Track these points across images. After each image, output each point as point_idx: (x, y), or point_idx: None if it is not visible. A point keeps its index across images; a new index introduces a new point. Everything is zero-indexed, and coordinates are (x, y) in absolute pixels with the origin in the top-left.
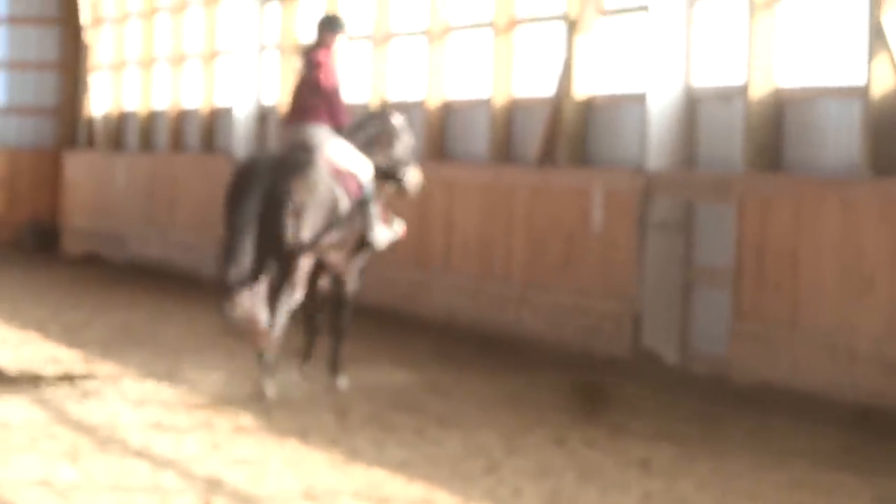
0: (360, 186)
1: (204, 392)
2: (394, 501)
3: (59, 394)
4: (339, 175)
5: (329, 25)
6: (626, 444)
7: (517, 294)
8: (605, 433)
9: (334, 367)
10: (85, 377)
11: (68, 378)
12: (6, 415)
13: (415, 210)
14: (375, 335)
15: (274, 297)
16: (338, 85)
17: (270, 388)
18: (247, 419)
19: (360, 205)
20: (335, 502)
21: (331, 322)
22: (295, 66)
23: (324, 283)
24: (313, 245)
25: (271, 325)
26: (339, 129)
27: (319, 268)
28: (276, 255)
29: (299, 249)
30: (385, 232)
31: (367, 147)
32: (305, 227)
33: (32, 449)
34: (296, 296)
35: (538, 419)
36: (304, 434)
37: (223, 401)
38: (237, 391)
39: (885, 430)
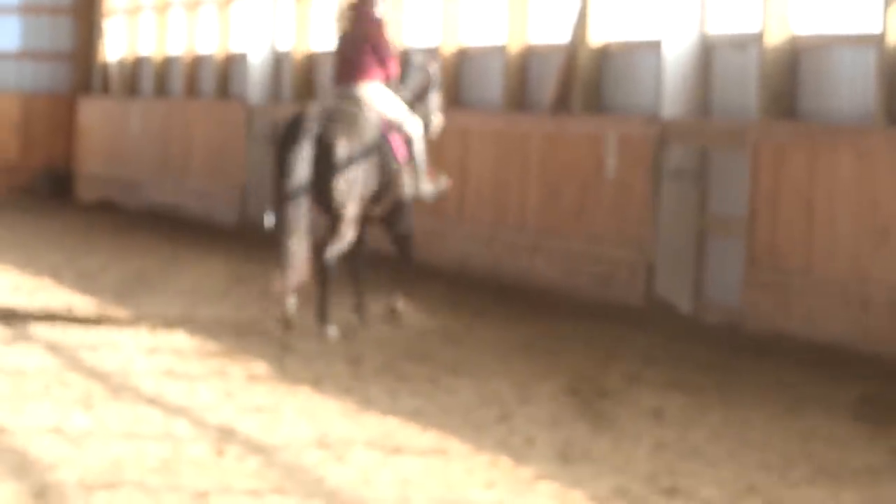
0: (409, 140)
1: (218, 340)
2: (406, 450)
3: (73, 341)
4: (389, 128)
5: None
6: (638, 393)
7: (531, 242)
8: (618, 383)
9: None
10: (99, 324)
11: (82, 325)
12: (20, 362)
13: (428, 158)
14: (389, 283)
15: (322, 246)
16: (388, 37)
17: (330, 330)
18: (260, 367)
19: (409, 159)
20: (348, 451)
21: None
22: (338, 19)
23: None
24: (361, 197)
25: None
26: (389, 82)
27: (366, 219)
28: (326, 206)
29: (348, 201)
30: (430, 185)
31: (413, 98)
32: (354, 178)
33: (45, 396)
34: (343, 244)
35: (551, 368)
36: (317, 383)
37: (237, 349)
38: (251, 339)
39: None
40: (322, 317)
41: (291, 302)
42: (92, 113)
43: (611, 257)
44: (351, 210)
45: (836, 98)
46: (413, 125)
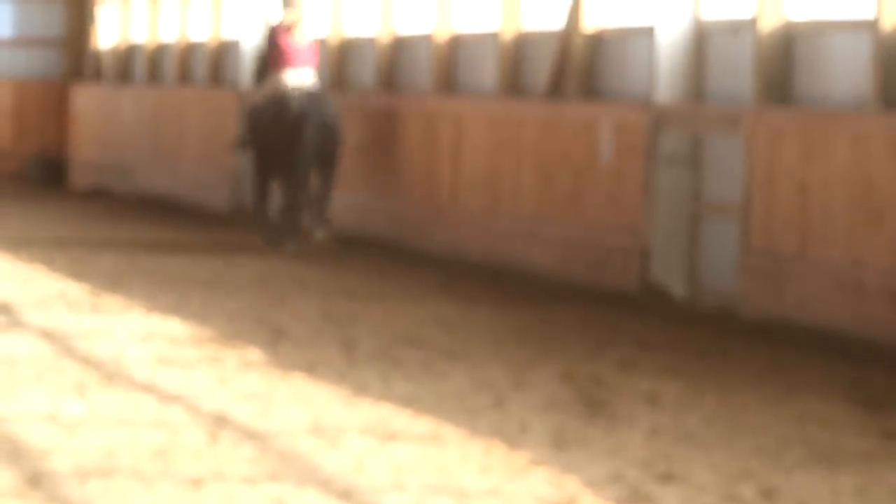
0: None
1: (211, 326)
2: (401, 436)
3: (66, 328)
4: None
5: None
6: (633, 379)
7: (525, 228)
8: (612, 368)
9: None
10: (92, 311)
11: (75, 312)
12: (13, 349)
13: (422, 143)
14: (383, 269)
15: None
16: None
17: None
18: (254, 354)
19: None
20: (342, 437)
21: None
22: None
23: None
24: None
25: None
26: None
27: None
28: (327, 169)
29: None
30: None
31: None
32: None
33: (39, 383)
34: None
35: (545, 354)
36: (310, 369)
37: (230, 335)
38: (244, 325)
39: (893, 365)
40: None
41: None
42: (85, 100)
43: (605, 243)
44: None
45: (830, 83)
46: None
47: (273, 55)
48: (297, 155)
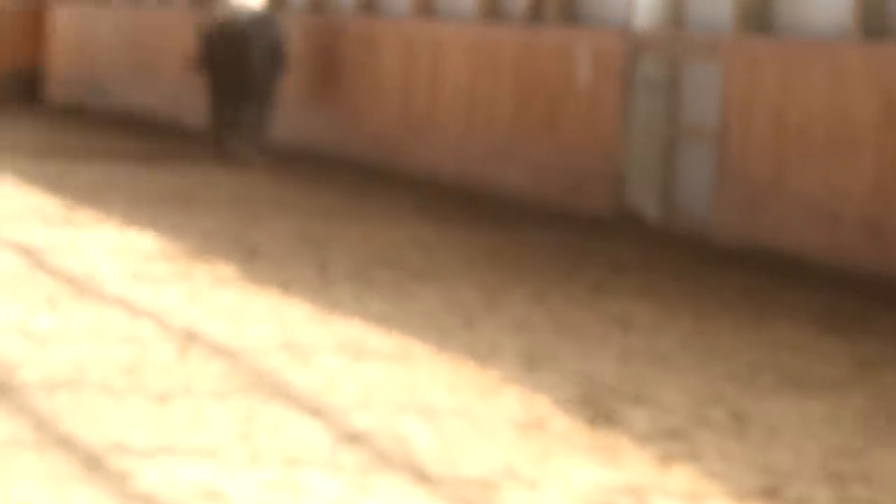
0: None
1: (185, 243)
2: (371, 355)
3: (40, 242)
4: None
5: None
6: (606, 301)
7: (501, 151)
8: (585, 291)
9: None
10: (66, 226)
11: (49, 227)
12: None
13: (400, 66)
14: (359, 190)
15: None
16: None
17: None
18: (227, 270)
19: None
20: (313, 354)
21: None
22: None
23: None
24: None
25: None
26: None
27: None
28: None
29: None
30: None
31: None
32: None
33: (11, 296)
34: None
35: (518, 276)
36: (284, 286)
37: (204, 251)
38: (219, 243)
39: (866, 293)
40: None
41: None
42: (65, 16)
43: (581, 167)
44: None
45: (810, 12)
46: None
47: None
48: (242, 75)
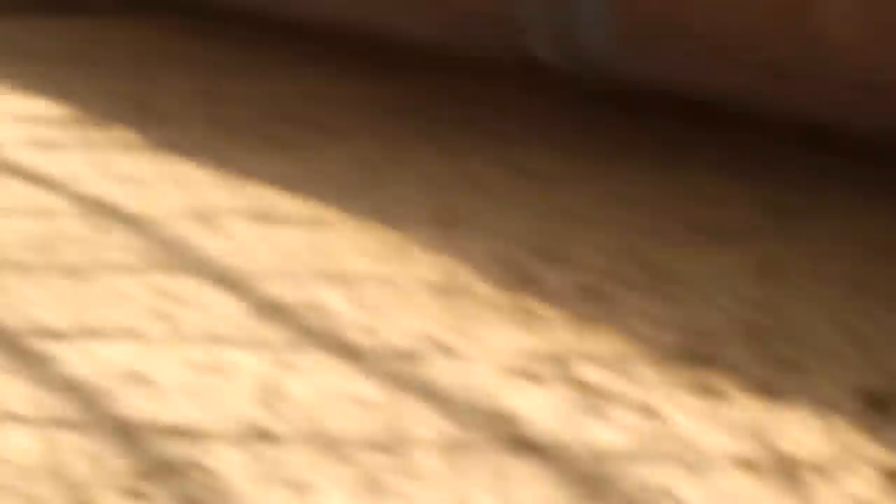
0: None
1: (80, 105)
2: (283, 219)
3: None
4: None
5: None
6: (509, 152)
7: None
8: (489, 142)
9: None
10: None
11: None
12: None
13: None
14: (253, 40)
15: None
16: None
17: None
18: (127, 135)
19: None
20: (222, 221)
21: None
22: None
23: None
24: None
25: None
26: None
27: None
28: None
29: None
30: None
31: None
32: None
33: None
34: None
35: (421, 129)
36: (184, 150)
37: (101, 115)
38: (115, 104)
39: (774, 136)
40: None
41: None
42: None
43: (479, 10)
44: None
45: None
46: None
47: None
48: None
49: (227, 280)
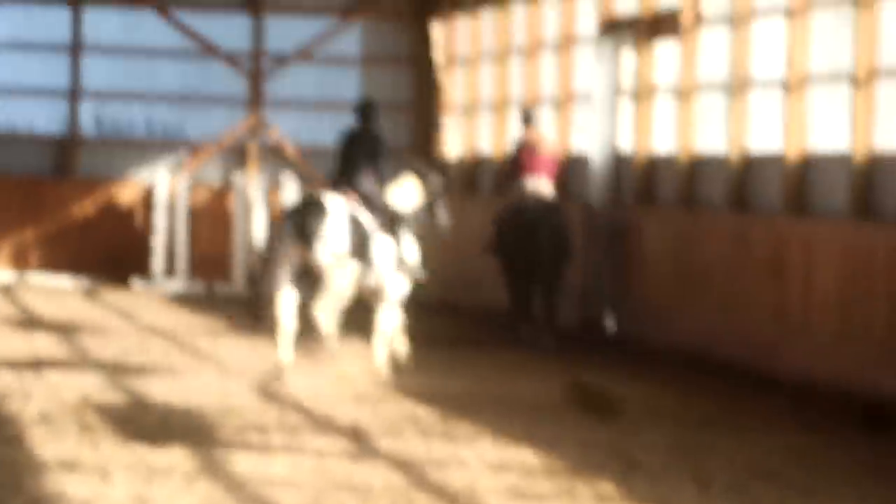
0: None
1: (562, 456)
2: None
3: (418, 456)
4: None
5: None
6: None
7: (878, 358)
8: None
9: None
10: (442, 438)
11: (426, 438)
12: (366, 479)
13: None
14: (731, 394)
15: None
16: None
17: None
18: (607, 487)
19: None
20: None
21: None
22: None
23: None
24: None
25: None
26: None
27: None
28: (553, 277)
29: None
30: None
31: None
32: None
33: None
34: None
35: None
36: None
37: (583, 466)
38: (596, 456)
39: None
40: None
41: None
42: None
43: None
44: None
45: None
46: None
47: (514, 165)
48: (532, 258)
49: None
